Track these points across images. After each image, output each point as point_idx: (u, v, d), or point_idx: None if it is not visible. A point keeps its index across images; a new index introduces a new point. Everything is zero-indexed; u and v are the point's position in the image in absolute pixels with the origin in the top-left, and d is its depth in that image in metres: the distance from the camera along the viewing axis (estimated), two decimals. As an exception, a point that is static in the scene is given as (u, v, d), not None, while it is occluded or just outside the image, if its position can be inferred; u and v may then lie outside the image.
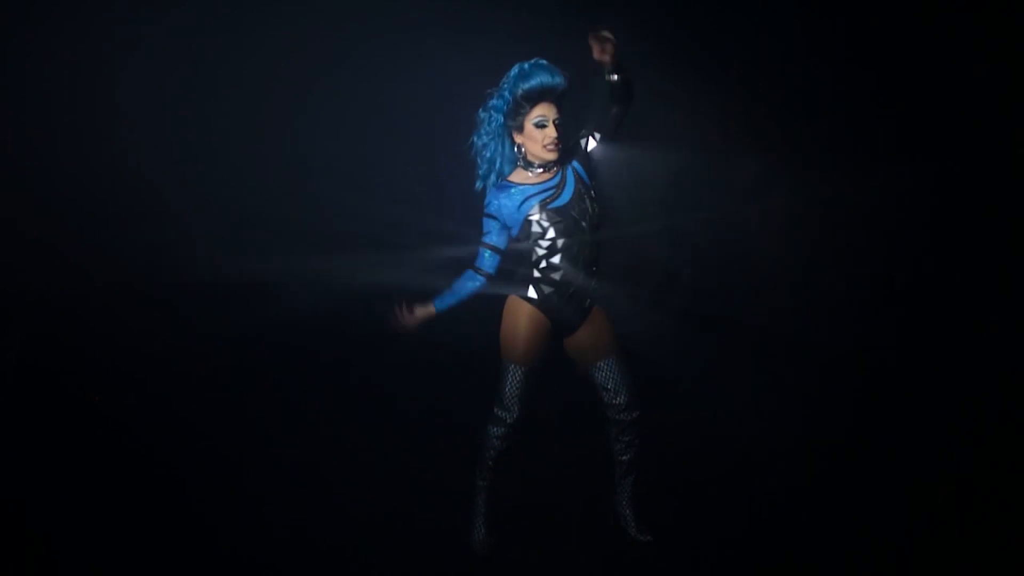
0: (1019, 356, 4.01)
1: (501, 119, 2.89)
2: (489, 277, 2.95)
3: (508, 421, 2.95)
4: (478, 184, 2.98)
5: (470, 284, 2.94)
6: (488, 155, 2.94)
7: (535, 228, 2.90)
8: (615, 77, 2.75)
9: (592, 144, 2.95)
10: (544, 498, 3.44)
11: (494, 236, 2.94)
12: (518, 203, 2.90)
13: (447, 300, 2.94)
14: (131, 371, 4.27)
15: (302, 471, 3.67)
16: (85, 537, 3.13)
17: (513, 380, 2.95)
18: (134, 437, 3.91)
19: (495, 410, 2.98)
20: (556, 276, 2.92)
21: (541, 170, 2.92)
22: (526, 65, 2.81)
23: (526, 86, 2.79)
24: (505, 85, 2.85)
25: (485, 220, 2.94)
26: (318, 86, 4.71)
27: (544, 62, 2.81)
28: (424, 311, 2.93)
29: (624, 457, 3.08)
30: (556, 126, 2.83)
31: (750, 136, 4.76)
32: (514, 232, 2.94)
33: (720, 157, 4.80)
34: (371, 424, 4.15)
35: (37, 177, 4.17)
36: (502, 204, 2.91)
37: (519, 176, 2.94)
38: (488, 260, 2.94)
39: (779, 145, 4.68)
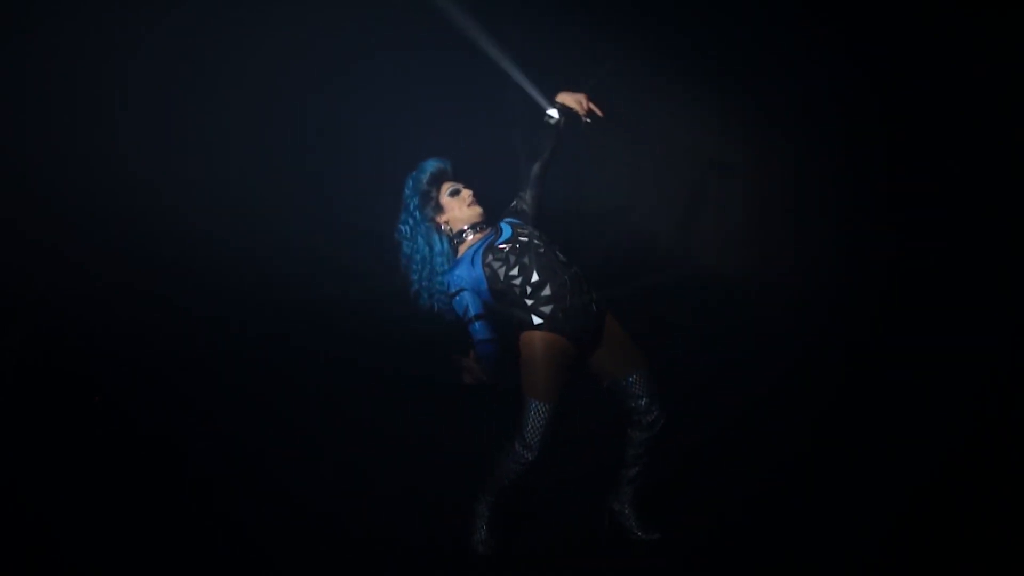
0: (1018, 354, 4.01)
1: (419, 216, 3.07)
2: (494, 340, 2.97)
3: (529, 459, 2.92)
4: (420, 296, 3.07)
5: (485, 353, 2.95)
6: (419, 258, 3.08)
7: (499, 269, 2.96)
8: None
9: (523, 204, 3.14)
10: (542, 496, 3.44)
11: (472, 307, 2.99)
12: (470, 262, 3.00)
13: (487, 349, 2.97)
14: (132, 372, 4.26)
15: (302, 472, 3.68)
16: (85, 538, 3.14)
17: (536, 418, 2.89)
18: (135, 438, 3.92)
19: (516, 445, 2.93)
20: (546, 292, 2.93)
21: (475, 231, 3.07)
22: (415, 172, 3.08)
23: (424, 177, 3.05)
24: (408, 192, 3.08)
25: (456, 302, 3.00)
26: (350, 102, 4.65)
27: (429, 159, 3.08)
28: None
29: (639, 461, 3.08)
30: (464, 188, 3.08)
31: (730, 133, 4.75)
32: (483, 289, 2.98)
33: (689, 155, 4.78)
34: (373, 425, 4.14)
35: (39, 177, 4.17)
36: (459, 275, 3.01)
37: (459, 250, 3.09)
38: (482, 329, 2.97)
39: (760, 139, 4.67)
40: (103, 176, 4.26)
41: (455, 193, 3.08)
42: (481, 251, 3.02)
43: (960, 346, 4.17)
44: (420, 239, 3.08)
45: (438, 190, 3.09)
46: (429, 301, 3.07)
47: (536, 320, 2.92)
